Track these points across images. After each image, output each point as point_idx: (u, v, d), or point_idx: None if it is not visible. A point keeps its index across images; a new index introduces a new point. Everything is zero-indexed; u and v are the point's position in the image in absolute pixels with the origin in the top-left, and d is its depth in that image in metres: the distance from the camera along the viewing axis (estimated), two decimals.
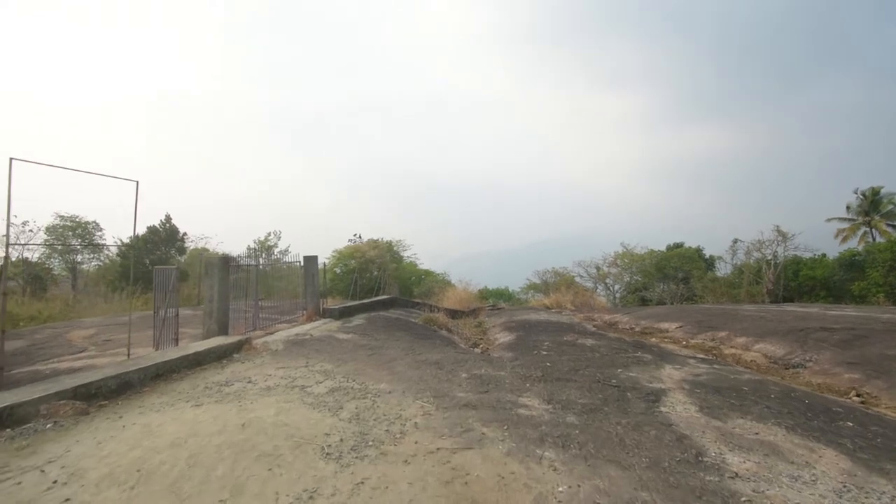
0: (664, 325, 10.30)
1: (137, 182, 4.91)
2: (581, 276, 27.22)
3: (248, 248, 26.57)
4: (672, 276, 25.85)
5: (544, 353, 7.11)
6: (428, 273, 28.34)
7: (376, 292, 17.11)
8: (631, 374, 5.43)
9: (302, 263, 11.51)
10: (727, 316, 10.40)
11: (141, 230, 25.13)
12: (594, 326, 11.19)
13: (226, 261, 6.95)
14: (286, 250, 26.52)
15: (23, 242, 21.77)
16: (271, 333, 8.39)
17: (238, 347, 6.51)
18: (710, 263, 28.86)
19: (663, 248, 29.22)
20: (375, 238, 26.44)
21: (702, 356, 7.18)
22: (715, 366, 6.20)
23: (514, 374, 5.29)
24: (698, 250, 29.19)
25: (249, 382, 4.81)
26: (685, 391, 4.63)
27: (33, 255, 22.98)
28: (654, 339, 9.07)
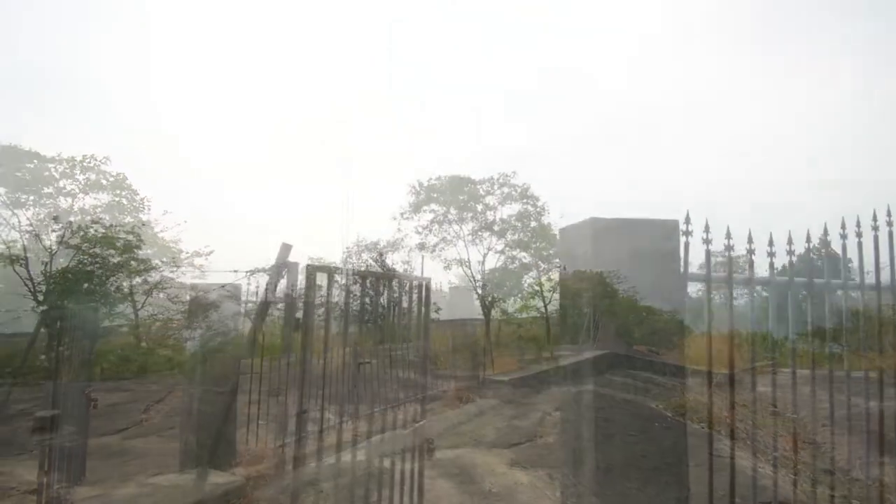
0: None
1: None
2: None
3: None
4: None
5: None
6: (650, 311, 22.77)
7: (590, 335, 13.49)
8: None
9: (414, 289, 3.72)
10: None
11: None
12: None
13: None
14: None
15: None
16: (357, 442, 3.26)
17: None
18: None
19: None
20: (582, 269, 22.66)
21: None
22: None
23: None
24: None
25: None
26: None
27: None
28: None
